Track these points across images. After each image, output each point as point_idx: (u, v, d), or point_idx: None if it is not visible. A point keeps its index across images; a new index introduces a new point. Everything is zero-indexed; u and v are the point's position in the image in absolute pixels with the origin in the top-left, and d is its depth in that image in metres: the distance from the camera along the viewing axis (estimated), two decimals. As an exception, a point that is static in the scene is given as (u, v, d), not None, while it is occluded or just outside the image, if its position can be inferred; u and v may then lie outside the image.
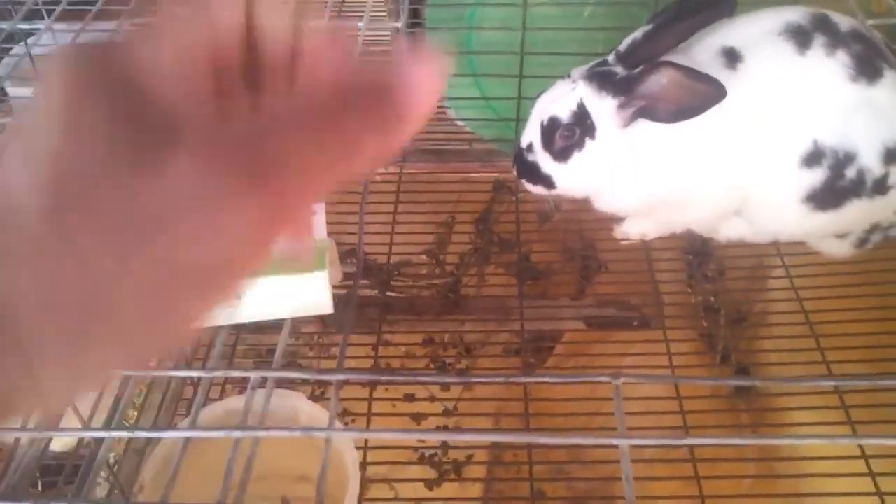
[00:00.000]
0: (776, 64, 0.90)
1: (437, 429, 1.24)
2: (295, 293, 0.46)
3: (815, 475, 0.95)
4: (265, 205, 0.26)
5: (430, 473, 1.22)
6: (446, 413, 1.31)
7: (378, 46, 1.14)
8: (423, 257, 1.43)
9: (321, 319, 1.33)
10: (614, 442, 0.44)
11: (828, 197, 0.92)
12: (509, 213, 1.41)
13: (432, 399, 1.33)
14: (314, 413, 0.76)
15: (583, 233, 1.36)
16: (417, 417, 1.27)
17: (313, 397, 1.17)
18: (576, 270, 1.38)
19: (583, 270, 1.37)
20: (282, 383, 1.19)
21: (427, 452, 1.21)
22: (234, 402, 0.73)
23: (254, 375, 0.43)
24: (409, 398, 1.31)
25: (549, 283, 1.39)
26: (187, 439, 0.44)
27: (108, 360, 0.26)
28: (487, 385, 1.31)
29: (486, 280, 1.42)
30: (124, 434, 0.55)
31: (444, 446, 1.24)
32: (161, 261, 0.25)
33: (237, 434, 0.42)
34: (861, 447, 0.88)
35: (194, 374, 0.45)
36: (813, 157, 0.90)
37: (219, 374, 0.44)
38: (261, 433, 0.43)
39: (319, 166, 0.27)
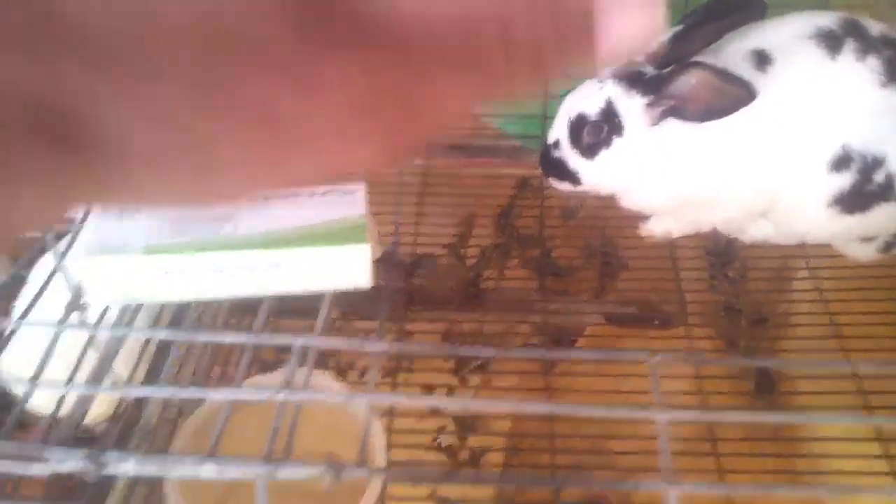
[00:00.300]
0: (806, 68, 0.90)
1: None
2: (336, 265, 0.48)
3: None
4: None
5: (446, 466, 1.23)
6: (465, 407, 1.31)
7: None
8: (444, 251, 1.44)
9: (341, 307, 1.35)
10: (652, 416, 0.45)
11: (855, 201, 0.92)
12: (532, 209, 1.42)
13: (451, 393, 1.34)
14: (343, 392, 0.77)
15: (605, 231, 1.37)
16: (435, 410, 1.28)
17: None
18: (597, 268, 1.38)
19: (604, 268, 1.38)
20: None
21: (444, 442, 1.23)
22: (272, 378, 0.74)
23: (298, 343, 0.44)
24: (428, 390, 1.32)
25: (570, 280, 1.40)
26: (231, 405, 0.45)
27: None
28: (507, 379, 1.31)
29: (506, 276, 1.43)
30: (168, 393, 0.56)
31: (464, 430, 1.25)
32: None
33: (282, 397, 0.44)
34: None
35: (240, 339, 0.46)
36: (841, 162, 0.91)
37: (264, 338, 0.45)
38: (305, 395, 0.44)
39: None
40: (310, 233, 0.48)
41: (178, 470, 0.44)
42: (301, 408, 0.46)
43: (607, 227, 1.36)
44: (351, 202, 0.51)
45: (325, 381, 0.77)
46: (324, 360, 1.30)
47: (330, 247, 0.48)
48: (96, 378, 0.49)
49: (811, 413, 0.46)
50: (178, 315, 0.52)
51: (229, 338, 0.49)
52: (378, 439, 0.74)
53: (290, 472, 0.44)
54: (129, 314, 0.52)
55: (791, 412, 0.68)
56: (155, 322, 0.53)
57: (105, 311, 0.54)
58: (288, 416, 0.46)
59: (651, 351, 0.45)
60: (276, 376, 0.73)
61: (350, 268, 0.48)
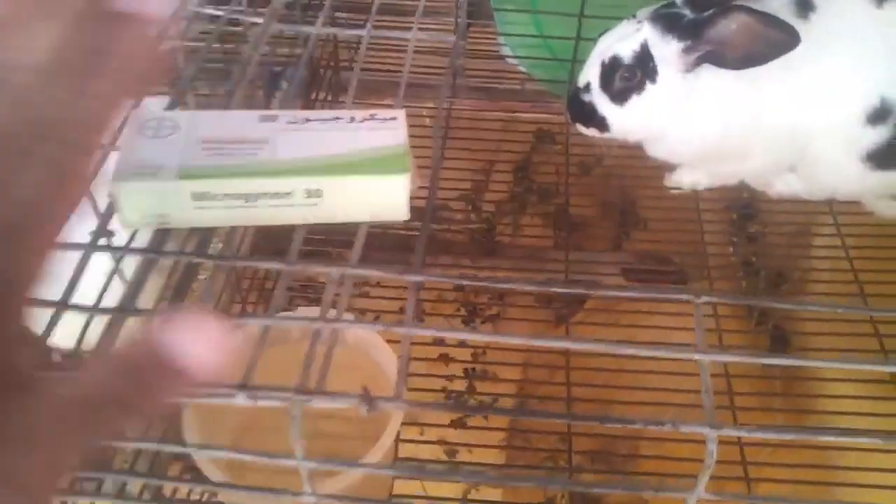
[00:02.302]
0: (850, 15, 0.87)
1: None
2: (374, 195, 0.46)
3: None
4: None
5: (456, 415, 1.23)
6: (474, 357, 1.31)
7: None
8: (461, 202, 1.42)
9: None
10: (696, 357, 0.43)
11: (889, 156, 0.90)
12: (549, 163, 1.39)
13: (461, 343, 1.33)
14: (360, 332, 0.76)
15: (624, 186, 1.35)
16: (445, 358, 1.28)
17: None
18: (613, 224, 1.36)
19: (621, 223, 1.36)
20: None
21: (454, 393, 1.22)
22: (306, 311, 0.73)
23: (333, 271, 0.42)
24: (439, 341, 1.32)
25: (586, 235, 1.38)
26: (266, 330, 0.44)
27: None
28: (519, 332, 1.30)
29: (521, 229, 1.41)
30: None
31: (471, 387, 1.25)
32: None
33: (319, 325, 0.42)
34: None
35: (275, 265, 0.44)
36: (878, 115, 0.88)
37: (298, 267, 0.43)
38: (342, 325, 0.43)
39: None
40: (350, 160, 0.46)
41: (210, 397, 0.43)
42: (337, 339, 0.45)
43: (626, 182, 1.34)
44: (392, 130, 0.48)
45: (365, 333, 0.76)
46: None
47: (370, 176, 0.45)
48: (123, 308, 0.47)
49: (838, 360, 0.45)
50: (202, 244, 0.50)
51: (265, 264, 0.47)
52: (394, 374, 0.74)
53: (324, 402, 0.42)
54: (156, 243, 0.50)
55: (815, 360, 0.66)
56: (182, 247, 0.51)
57: (132, 238, 0.52)
58: (323, 347, 0.44)
59: (696, 291, 0.43)
60: (311, 310, 0.72)
61: (390, 198, 0.46)
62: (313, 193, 0.45)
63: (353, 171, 0.45)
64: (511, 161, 1.44)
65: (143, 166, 0.45)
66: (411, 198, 0.48)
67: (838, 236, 1.01)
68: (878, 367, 0.57)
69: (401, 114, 0.50)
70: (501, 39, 1.20)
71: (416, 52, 0.68)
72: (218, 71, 0.79)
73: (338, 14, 1.20)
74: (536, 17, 1.16)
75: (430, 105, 1.19)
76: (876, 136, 0.89)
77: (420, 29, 0.66)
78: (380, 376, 0.82)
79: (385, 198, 0.46)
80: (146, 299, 0.58)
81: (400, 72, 0.63)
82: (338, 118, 0.48)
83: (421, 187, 0.52)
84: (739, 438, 0.96)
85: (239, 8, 0.69)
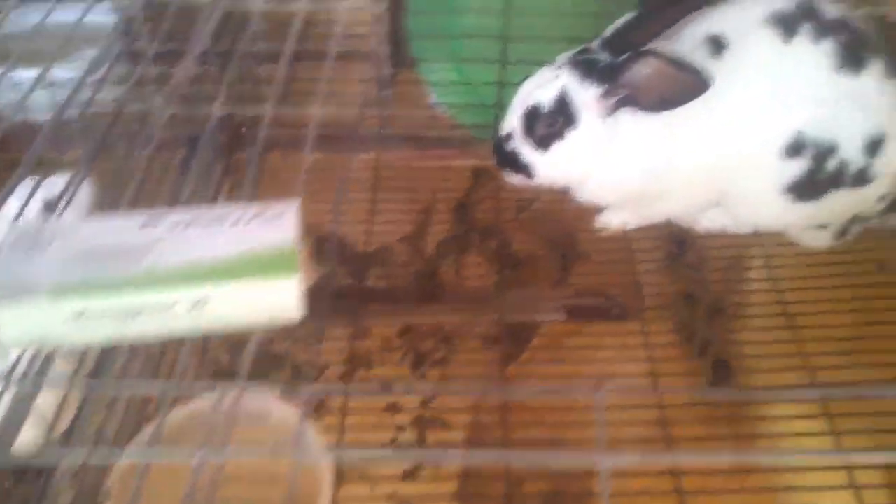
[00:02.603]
0: (761, 52, 0.89)
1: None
2: (263, 299, 0.44)
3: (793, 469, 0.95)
4: None
5: (406, 464, 1.20)
6: (423, 404, 1.29)
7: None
8: (402, 245, 1.41)
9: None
10: (595, 459, 0.42)
11: (809, 188, 0.91)
12: (489, 199, 1.39)
13: (410, 391, 1.31)
14: (285, 414, 0.74)
15: (564, 221, 1.35)
16: (393, 408, 1.26)
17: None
18: (557, 259, 1.36)
19: (563, 259, 1.36)
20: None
21: (404, 443, 1.20)
22: (202, 405, 0.70)
23: (216, 394, 0.40)
24: (387, 388, 1.29)
25: (529, 271, 1.38)
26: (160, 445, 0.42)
27: None
28: (465, 376, 1.29)
29: (464, 269, 1.40)
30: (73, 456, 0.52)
31: (421, 437, 1.23)
32: None
33: (196, 460, 0.40)
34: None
35: (156, 388, 0.42)
36: (795, 148, 0.89)
37: (182, 389, 0.41)
38: (221, 456, 0.40)
39: None
40: (236, 264, 0.44)
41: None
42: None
43: (567, 216, 1.34)
44: (281, 226, 0.46)
45: (268, 400, 0.74)
46: (279, 360, 1.27)
47: (258, 281, 0.44)
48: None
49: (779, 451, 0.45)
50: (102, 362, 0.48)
51: (147, 387, 0.45)
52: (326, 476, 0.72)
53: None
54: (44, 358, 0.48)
55: (755, 451, 0.67)
56: (81, 359, 0.49)
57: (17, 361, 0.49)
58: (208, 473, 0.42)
59: (596, 384, 0.43)
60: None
61: (280, 301, 0.44)
62: (198, 303, 0.43)
63: (239, 276, 0.44)
64: (451, 199, 1.44)
65: (19, 285, 0.42)
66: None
67: (766, 268, 1.02)
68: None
69: (291, 208, 0.48)
70: (427, 87, 1.21)
71: (342, 103, 0.68)
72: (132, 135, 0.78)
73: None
74: (460, 63, 1.17)
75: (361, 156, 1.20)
76: (795, 168, 0.91)
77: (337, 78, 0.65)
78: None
79: (275, 301, 0.44)
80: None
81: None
82: (224, 217, 0.47)
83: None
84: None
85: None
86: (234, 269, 0.44)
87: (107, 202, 0.59)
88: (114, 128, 0.63)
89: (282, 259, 0.45)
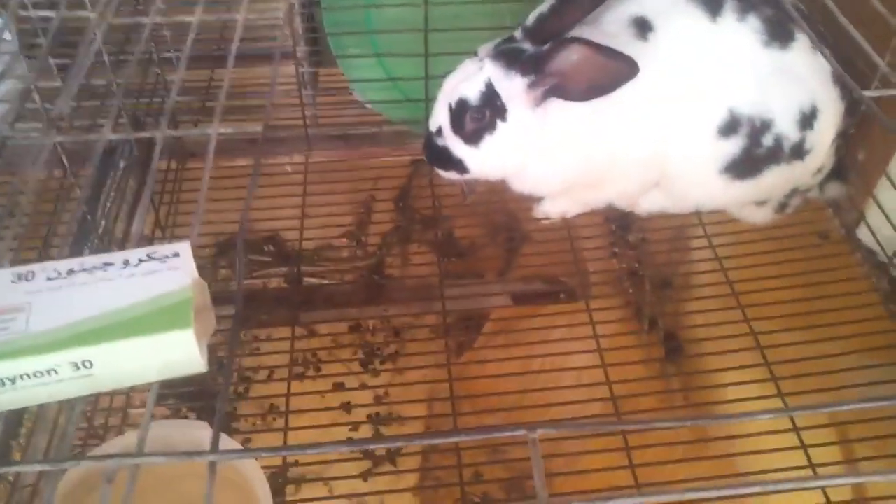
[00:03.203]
0: (687, 32, 0.87)
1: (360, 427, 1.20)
2: (158, 355, 0.40)
3: (745, 435, 0.95)
4: None
5: (364, 465, 1.19)
6: (377, 400, 1.27)
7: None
8: (344, 240, 1.38)
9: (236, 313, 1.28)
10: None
11: (746, 166, 0.90)
12: (430, 187, 1.36)
13: (363, 387, 1.29)
14: (223, 443, 0.71)
15: (506, 205, 1.32)
16: (348, 407, 1.23)
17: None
18: (501, 245, 1.34)
19: (508, 244, 1.34)
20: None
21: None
22: (130, 439, 0.67)
23: (111, 465, 0.37)
24: (339, 387, 1.27)
25: (475, 259, 1.36)
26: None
27: None
28: (418, 368, 1.27)
29: (410, 259, 1.37)
30: None
31: (377, 434, 1.21)
32: None
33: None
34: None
35: (38, 467, 0.39)
36: (729, 127, 0.88)
37: (68, 464, 0.38)
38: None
39: None
40: (123, 319, 0.40)
41: None
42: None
43: (507, 202, 1.31)
44: (174, 270, 0.42)
45: (200, 431, 0.71)
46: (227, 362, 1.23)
47: (149, 336, 0.40)
48: None
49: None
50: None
51: (24, 467, 0.41)
52: (259, 483, 0.69)
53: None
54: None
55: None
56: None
57: None
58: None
59: (529, 425, 0.41)
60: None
61: (177, 354, 0.41)
62: (83, 364, 0.39)
63: (126, 333, 0.39)
64: (392, 189, 1.41)
65: None
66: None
67: (710, 248, 1.01)
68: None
69: (184, 247, 0.44)
70: (351, 84, 1.16)
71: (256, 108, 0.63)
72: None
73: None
74: (382, 59, 1.12)
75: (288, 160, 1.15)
76: (731, 147, 0.89)
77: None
78: (243, 486, 0.76)
79: (171, 355, 0.40)
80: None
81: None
82: (109, 264, 0.42)
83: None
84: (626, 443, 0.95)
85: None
86: (121, 324, 0.40)
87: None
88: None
89: (175, 309, 0.41)
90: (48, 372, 0.39)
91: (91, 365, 0.39)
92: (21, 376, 0.39)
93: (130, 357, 0.40)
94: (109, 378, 0.40)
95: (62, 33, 0.68)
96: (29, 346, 0.39)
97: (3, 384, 0.39)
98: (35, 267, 0.42)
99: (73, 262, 0.43)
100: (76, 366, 0.39)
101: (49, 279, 0.41)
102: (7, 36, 0.71)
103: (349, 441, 1.13)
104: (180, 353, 0.40)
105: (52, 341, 0.39)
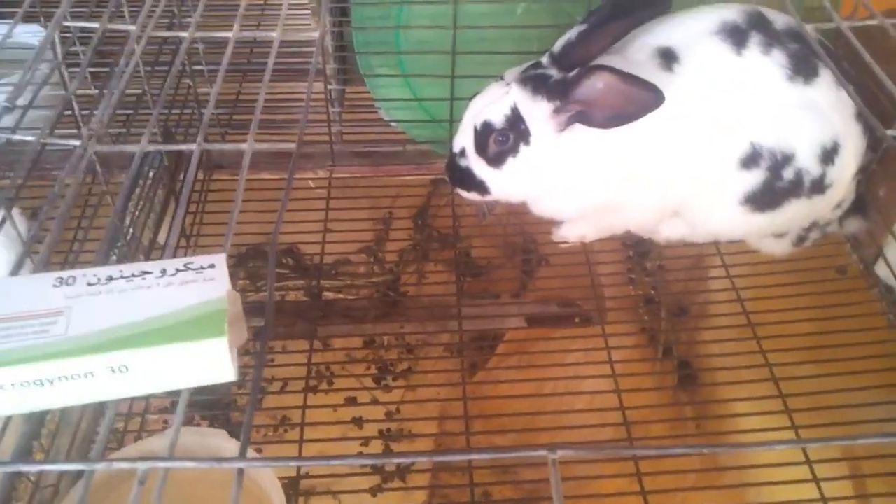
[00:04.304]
0: (713, 64, 0.88)
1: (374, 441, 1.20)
2: (190, 362, 0.41)
3: (757, 466, 0.95)
4: None
5: (374, 480, 1.19)
6: (389, 416, 1.27)
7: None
8: (362, 255, 1.39)
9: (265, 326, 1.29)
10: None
11: (766, 198, 0.91)
12: (449, 206, 1.37)
13: (375, 402, 1.30)
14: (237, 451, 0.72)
15: (524, 227, 1.33)
16: (359, 422, 1.24)
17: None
18: (517, 266, 1.35)
19: (524, 266, 1.35)
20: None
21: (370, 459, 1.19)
22: (149, 445, 0.69)
23: (142, 467, 0.38)
24: (351, 402, 1.28)
25: (490, 278, 1.36)
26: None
27: None
28: (431, 386, 1.28)
29: (426, 277, 1.38)
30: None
31: (388, 450, 1.21)
32: None
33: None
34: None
35: (70, 466, 0.40)
36: (751, 159, 0.89)
37: (100, 466, 0.39)
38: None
39: None
40: (159, 326, 0.41)
41: None
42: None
43: (525, 223, 1.33)
44: (209, 281, 0.44)
45: (220, 440, 0.72)
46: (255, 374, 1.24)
47: (183, 343, 0.41)
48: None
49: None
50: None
51: (59, 466, 0.42)
52: (276, 493, 0.70)
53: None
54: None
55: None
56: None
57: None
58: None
59: (550, 446, 0.41)
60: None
61: (209, 362, 0.42)
62: (119, 369, 0.40)
63: (161, 339, 0.41)
64: (411, 207, 1.42)
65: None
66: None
67: (727, 277, 1.02)
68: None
69: (220, 259, 0.45)
70: (378, 103, 1.18)
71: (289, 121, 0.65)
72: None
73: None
74: (409, 79, 1.14)
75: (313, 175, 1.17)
76: (751, 179, 0.90)
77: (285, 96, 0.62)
78: (260, 496, 0.77)
79: (204, 362, 0.42)
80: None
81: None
82: (147, 272, 0.44)
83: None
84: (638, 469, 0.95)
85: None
86: (156, 331, 0.41)
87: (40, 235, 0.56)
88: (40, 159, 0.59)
89: (210, 318, 0.42)
90: (86, 374, 0.40)
91: (127, 369, 0.40)
92: (60, 378, 0.40)
93: (165, 363, 0.41)
94: (145, 382, 0.41)
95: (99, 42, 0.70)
96: (68, 348, 0.40)
97: (43, 384, 0.40)
98: (76, 272, 0.43)
99: (113, 269, 0.44)
100: (112, 369, 0.40)
101: (89, 284, 0.43)
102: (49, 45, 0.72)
103: (368, 455, 1.13)
104: (213, 360, 0.41)
105: (90, 345, 0.40)
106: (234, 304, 0.44)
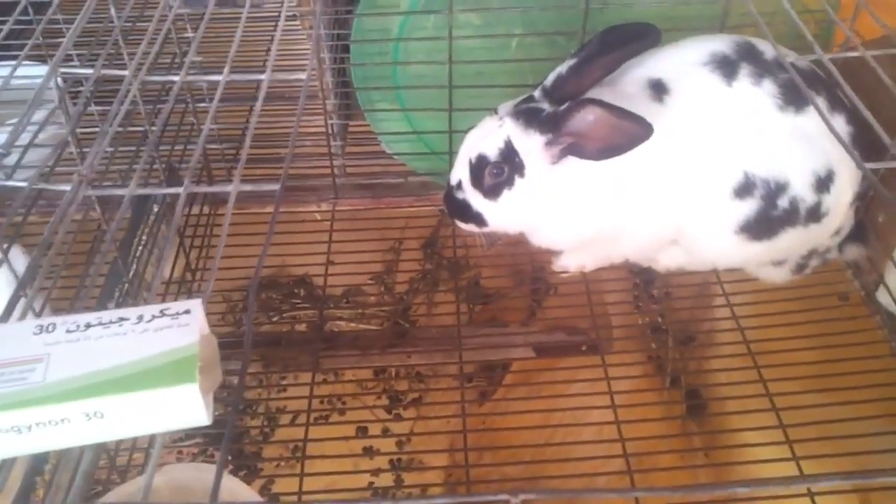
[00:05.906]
0: (703, 95, 0.88)
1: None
2: (164, 407, 0.43)
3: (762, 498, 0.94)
4: None
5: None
6: (399, 446, 1.28)
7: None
8: (373, 285, 1.40)
9: (262, 355, 1.31)
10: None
11: (762, 227, 0.91)
12: (458, 236, 1.38)
13: (385, 433, 1.30)
14: (235, 489, 0.73)
15: (532, 256, 1.34)
16: (370, 452, 1.25)
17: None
18: (526, 295, 1.36)
19: (533, 294, 1.35)
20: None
21: (380, 490, 1.19)
22: (135, 486, 0.70)
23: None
24: (363, 432, 1.29)
25: (499, 307, 1.37)
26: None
27: None
28: (441, 415, 1.28)
29: (435, 306, 1.39)
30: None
31: (399, 480, 1.21)
32: None
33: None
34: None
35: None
36: (744, 189, 0.89)
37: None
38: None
39: None
40: (132, 373, 0.43)
41: None
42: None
43: (533, 252, 1.33)
44: (184, 326, 0.45)
45: (232, 483, 0.73)
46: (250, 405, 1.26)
47: (156, 390, 0.42)
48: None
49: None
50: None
51: None
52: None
53: None
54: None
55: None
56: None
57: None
58: None
59: (512, 490, 0.42)
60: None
61: (182, 407, 0.43)
62: (94, 415, 0.42)
63: (135, 386, 0.42)
64: (419, 237, 1.43)
65: None
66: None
67: (727, 306, 1.01)
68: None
69: (195, 304, 0.47)
70: (379, 136, 1.20)
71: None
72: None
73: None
74: (408, 113, 1.16)
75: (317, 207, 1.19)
76: (746, 208, 0.90)
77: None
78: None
79: (177, 407, 0.43)
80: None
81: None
82: (124, 319, 0.46)
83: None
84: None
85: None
86: (130, 377, 0.43)
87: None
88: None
89: (181, 364, 0.43)
90: (62, 421, 0.42)
91: (102, 415, 0.42)
92: (37, 424, 0.42)
93: (139, 408, 0.42)
94: (120, 427, 0.43)
95: (102, 82, 0.73)
96: (44, 395, 0.42)
97: (20, 431, 0.42)
98: (57, 319, 0.45)
99: (92, 317, 0.46)
100: (88, 416, 0.42)
101: (68, 331, 0.45)
102: (50, 84, 0.75)
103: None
104: (185, 405, 0.43)
105: (66, 391, 0.42)
106: (208, 348, 0.46)
